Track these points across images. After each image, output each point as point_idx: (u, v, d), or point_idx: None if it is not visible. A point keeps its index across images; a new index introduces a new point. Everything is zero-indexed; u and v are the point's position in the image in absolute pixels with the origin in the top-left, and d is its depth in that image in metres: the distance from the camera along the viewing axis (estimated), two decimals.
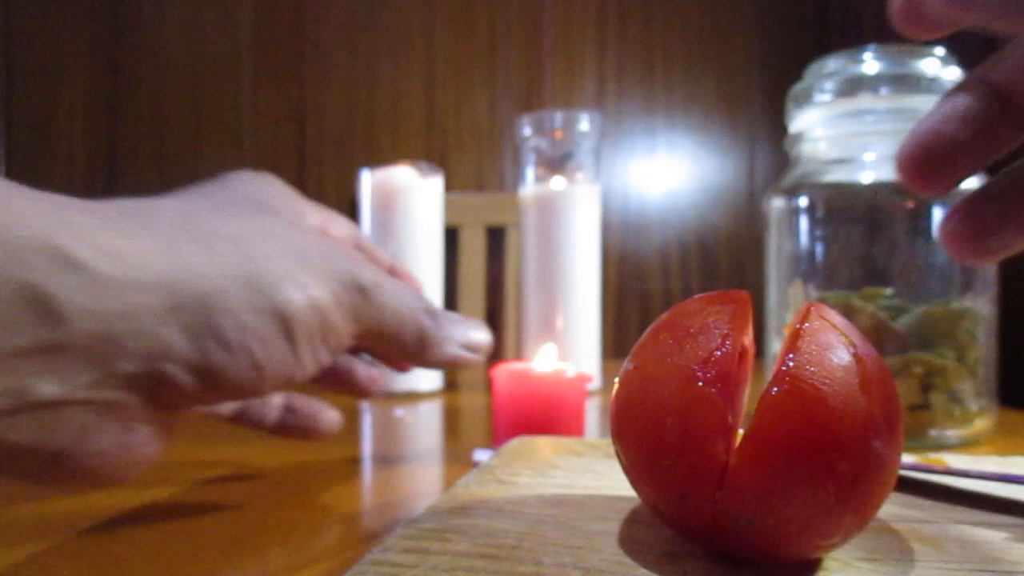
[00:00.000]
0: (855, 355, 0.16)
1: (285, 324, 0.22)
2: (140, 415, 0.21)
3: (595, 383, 0.68)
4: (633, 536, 0.19)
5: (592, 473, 0.26)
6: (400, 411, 0.58)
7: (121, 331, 0.19)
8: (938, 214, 0.41)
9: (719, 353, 0.16)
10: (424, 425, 0.54)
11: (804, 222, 0.43)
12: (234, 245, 0.22)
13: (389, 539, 0.19)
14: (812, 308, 0.18)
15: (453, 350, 0.29)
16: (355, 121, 1.38)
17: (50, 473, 0.20)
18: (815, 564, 0.17)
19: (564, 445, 0.31)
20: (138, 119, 1.39)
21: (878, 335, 0.39)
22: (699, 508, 0.16)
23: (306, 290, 0.23)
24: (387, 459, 0.42)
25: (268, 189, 0.27)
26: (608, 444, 0.31)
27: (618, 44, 1.36)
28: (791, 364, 0.16)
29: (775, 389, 0.15)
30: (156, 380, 0.20)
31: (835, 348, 0.16)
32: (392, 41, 1.37)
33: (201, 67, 1.39)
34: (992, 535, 0.19)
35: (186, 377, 0.20)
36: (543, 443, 0.32)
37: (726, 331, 0.17)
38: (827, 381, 0.15)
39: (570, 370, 0.42)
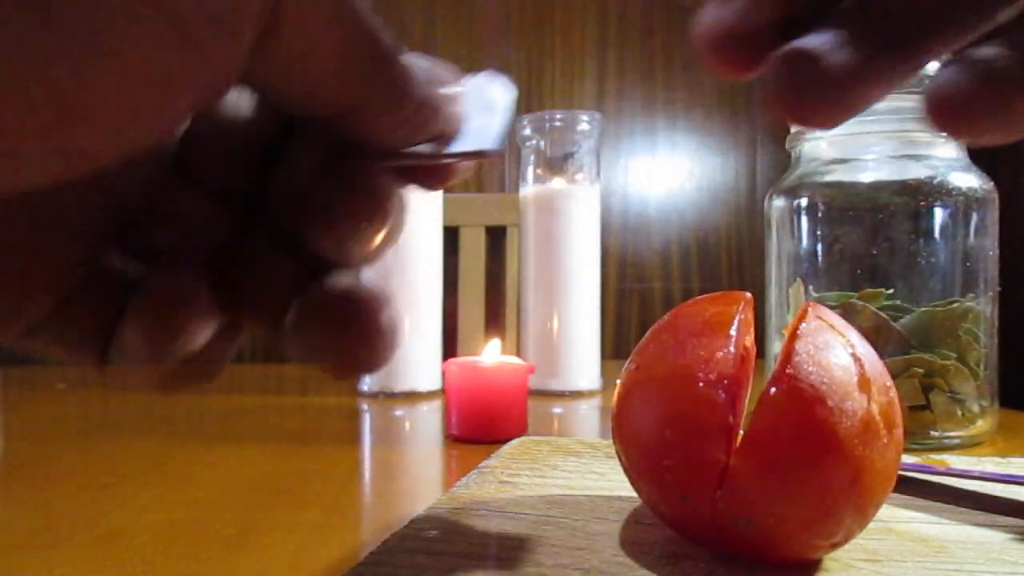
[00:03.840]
0: (853, 355, 0.16)
1: None
2: None
3: (595, 384, 0.68)
4: (633, 537, 0.19)
5: (592, 474, 0.26)
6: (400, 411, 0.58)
7: None
8: (939, 214, 0.41)
9: (720, 354, 0.16)
10: (424, 425, 0.54)
11: (805, 222, 0.43)
12: None
13: (389, 539, 0.19)
14: (810, 308, 0.18)
15: (419, 88, 0.14)
16: None
17: None
18: (815, 564, 0.17)
19: (564, 446, 0.31)
20: None
21: (879, 335, 0.39)
22: (699, 508, 0.16)
23: None
24: (387, 459, 0.42)
25: None
26: (608, 445, 0.31)
27: (618, 44, 1.36)
28: (789, 365, 0.16)
29: (773, 389, 0.16)
30: None
31: (833, 348, 0.16)
32: None
33: None
34: (993, 536, 0.19)
35: None
36: (543, 444, 0.32)
37: (728, 332, 0.17)
38: (825, 381, 0.15)
39: (514, 362, 0.47)
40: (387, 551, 0.18)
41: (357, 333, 0.15)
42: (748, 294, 0.19)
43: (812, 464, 0.15)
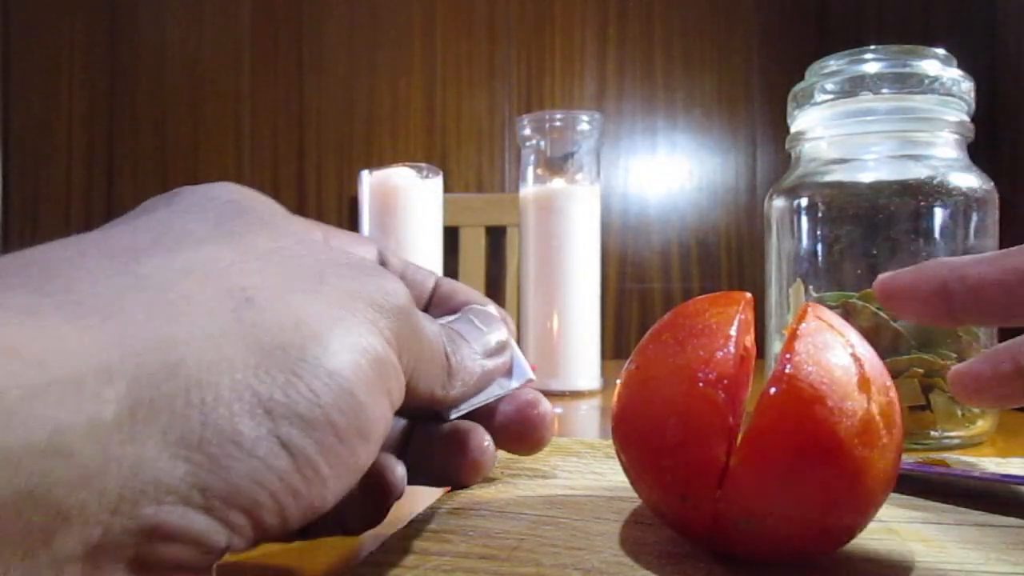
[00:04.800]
0: (852, 355, 0.16)
1: (339, 387, 0.15)
2: None
3: (595, 384, 0.68)
4: (633, 537, 0.19)
5: (592, 474, 0.26)
6: None
7: (47, 478, 0.11)
8: (939, 214, 0.41)
9: (720, 354, 0.16)
10: None
11: (805, 222, 0.43)
12: (215, 279, 0.15)
13: (389, 539, 0.19)
14: (809, 308, 0.18)
15: (478, 365, 0.21)
16: (355, 121, 1.38)
17: None
18: (816, 564, 0.17)
19: (564, 446, 0.31)
20: (137, 119, 1.39)
21: (879, 335, 0.39)
22: (699, 509, 0.16)
23: (350, 331, 0.15)
24: None
25: (237, 192, 0.18)
26: (608, 445, 0.31)
27: (618, 44, 1.36)
28: (789, 365, 0.16)
29: (773, 390, 0.15)
30: (144, 538, 0.12)
31: (832, 348, 0.16)
32: (392, 41, 1.37)
33: (201, 67, 1.39)
34: (993, 535, 0.19)
35: (195, 519, 0.13)
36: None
37: (728, 332, 0.17)
38: (825, 381, 0.15)
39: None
40: (386, 551, 0.18)
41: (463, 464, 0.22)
42: (748, 294, 0.19)
43: (812, 464, 0.15)
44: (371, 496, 0.20)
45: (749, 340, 0.19)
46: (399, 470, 0.20)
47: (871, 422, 0.15)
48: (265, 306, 0.15)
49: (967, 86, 0.43)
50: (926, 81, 0.41)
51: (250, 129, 1.39)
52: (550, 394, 0.65)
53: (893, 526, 0.20)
